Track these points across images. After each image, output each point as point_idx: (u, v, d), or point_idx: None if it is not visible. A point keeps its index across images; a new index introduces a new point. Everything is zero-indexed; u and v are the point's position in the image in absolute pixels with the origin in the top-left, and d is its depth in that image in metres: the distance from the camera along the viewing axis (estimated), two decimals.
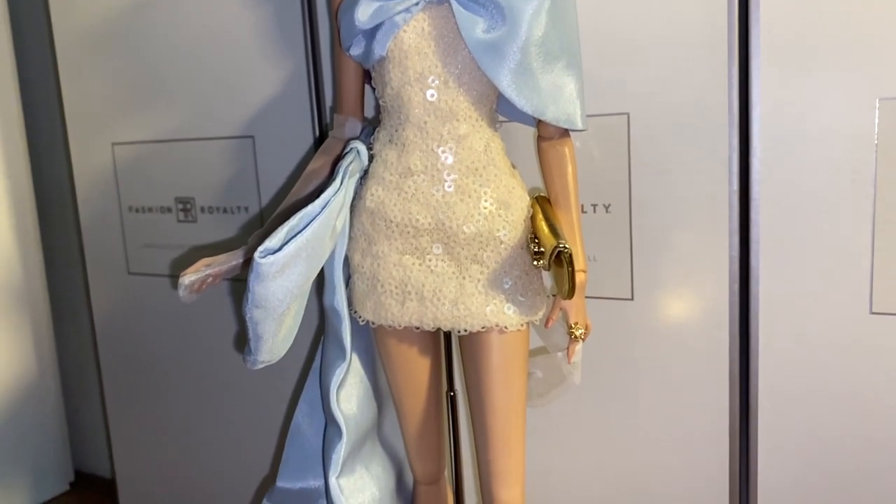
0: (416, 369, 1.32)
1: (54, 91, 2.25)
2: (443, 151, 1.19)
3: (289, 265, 1.05)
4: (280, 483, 1.41)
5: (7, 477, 2.53)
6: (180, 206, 1.92)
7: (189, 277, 1.22)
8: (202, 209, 1.89)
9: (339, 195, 1.12)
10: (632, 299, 1.48)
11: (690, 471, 1.48)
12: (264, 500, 1.44)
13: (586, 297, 1.47)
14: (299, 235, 1.05)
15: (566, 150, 1.26)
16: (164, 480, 2.10)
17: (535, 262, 1.21)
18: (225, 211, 1.86)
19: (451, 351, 1.39)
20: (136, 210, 1.99)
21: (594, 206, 1.48)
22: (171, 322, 1.99)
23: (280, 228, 1.04)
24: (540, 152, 1.28)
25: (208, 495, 2.04)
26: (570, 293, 1.16)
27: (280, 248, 1.03)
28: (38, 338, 2.59)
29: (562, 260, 1.14)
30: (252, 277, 1.03)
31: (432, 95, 1.18)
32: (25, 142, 2.56)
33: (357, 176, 1.25)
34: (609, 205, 1.47)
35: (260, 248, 1.01)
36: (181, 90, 1.85)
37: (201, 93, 1.82)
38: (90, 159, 2.03)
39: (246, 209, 1.83)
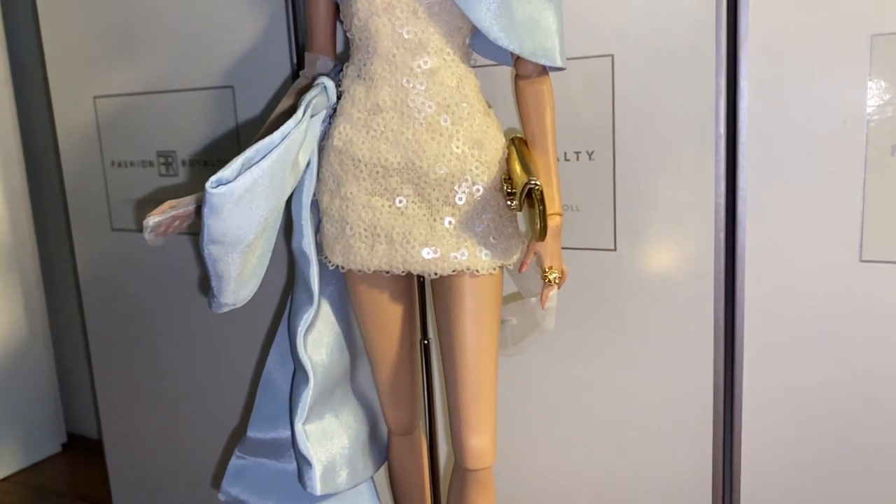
0: (387, 315, 1.29)
1: (36, 45, 2.22)
2: (413, 87, 1.15)
3: (245, 198, 1.00)
4: (251, 433, 1.39)
5: None
6: (162, 159, 1.89)
7: (154, 219, 1.18)
8: (183, 163, 1.86)
9: (300, 127, 1.08)
10: (615, 250, 1.43)
11: (674, 424, 1.44)
12: (236, 451, 1.41)
13: (568, 248, 1.44)
14: (255, 166, 1.00)
15: (544, 88, 1.21)
16: (150, 439, 2.09)
17: (509, 204, 1.17)
18: (206, 164, 1.82)
19: (425, 298, 1.35)
20: (119, 164, 1.96)
21: (577, 153, 1.44)
22: (154, 278, 1.97)
23: (235, 159, 1.00)
24: (517, 91, 1.23)
25: (197, 453, 2.02)
26: (542, 234, 1.12)
27: (234, 179, 0.99)
28: (29, 299, 2.58)
29: (533, 198, 1.10)
30: (206, 210, 1.00)
31: (401, 26, 1.13)
32: (13, 101, 2.53)
33: (324, 113, 1.21)
34: (592, 151, 1.42)
35: (212, 179, 0.97)
36: (160, 40, 1.81)
37: (180, 43, 1.78)
38: (72, 113, 2.00)
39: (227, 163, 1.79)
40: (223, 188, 0.97)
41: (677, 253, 1.38)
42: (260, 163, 1.01)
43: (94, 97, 1.94)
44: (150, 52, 1.83)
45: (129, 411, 2.11)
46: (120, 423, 2.14)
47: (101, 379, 2.14)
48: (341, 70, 1.25)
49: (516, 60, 1.21)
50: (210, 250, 1.04)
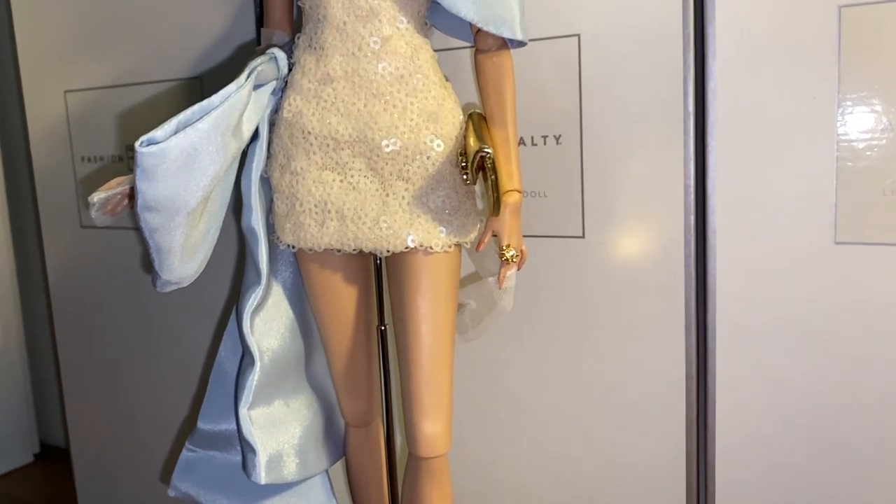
0: (340, 298, 1.23)
1: (9, 40, 2.20)
2: (364, 56, 1.11)
3: (180, 160, 0.96)
4: (202, 425, 1.32)
5: None
6: (131, 154, 1.86)
7: (100, 195, 1.13)
8: None
9: (241, 91, 1.03)
10: (583, 237, 1.38)
11: (645, 417, 1.37)
12: (186, 444, 1.35)
13: (535, 235, 1.40)
14: (190, 128, 0.96)
15: (504, 62, 1.17)
16: (119, 446, 2.02)
17: (464, 178, 1.12)
18: None
19: (381, 282, 1.29)
20: (89, 160, 1.93)
21: (544, 137, 1.39)
22: (123, 278, 1.92)
23: (170, 120, 0.96)
24: (476, 66, 1.19)
25: (168, 462, 1.95)
26: (497, 207, 1.07)
27: (167, 140, 0.94)
28: (2, 306, 2.53)
29: (485, 168, 1.05)
30: (138, 173, 0.95)
31: None
32: None
33: (274, 84, 1.17)
34: (559, 136, 1.38)
35: (143, 137, 0.93)
36: (129, 33, 1.78)
37: (149, 35, 1.76)
38: (43, 109, 1.97)
39: None
40: (154, 147, 0.93)
41: (647, 239, 1.33)
42: (196, 124, 0.96)
43: (65, 92, 1.92)
44: (120, 45, 1.80)
45: (97, 417, 2.04)
46: (88, 430, 2.07)
47: (69, 384, 2.09)
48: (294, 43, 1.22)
49: (476, 34, 1.17)
50: (146, 218, 1.00)
